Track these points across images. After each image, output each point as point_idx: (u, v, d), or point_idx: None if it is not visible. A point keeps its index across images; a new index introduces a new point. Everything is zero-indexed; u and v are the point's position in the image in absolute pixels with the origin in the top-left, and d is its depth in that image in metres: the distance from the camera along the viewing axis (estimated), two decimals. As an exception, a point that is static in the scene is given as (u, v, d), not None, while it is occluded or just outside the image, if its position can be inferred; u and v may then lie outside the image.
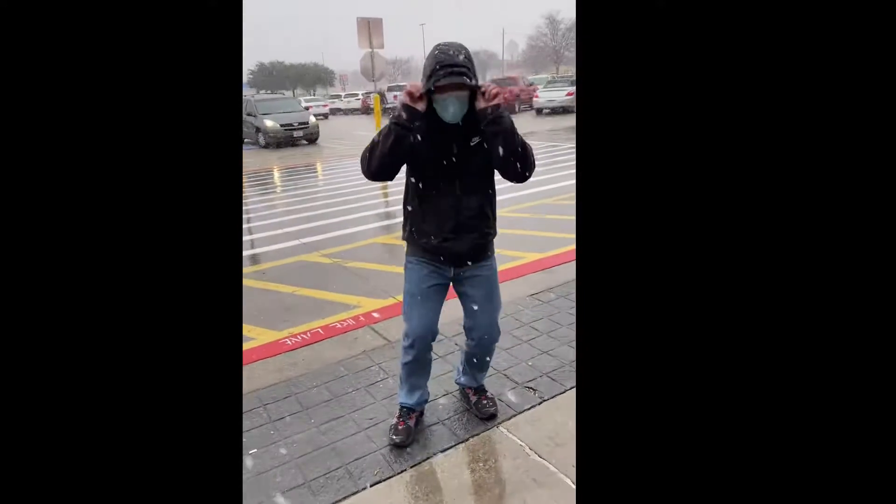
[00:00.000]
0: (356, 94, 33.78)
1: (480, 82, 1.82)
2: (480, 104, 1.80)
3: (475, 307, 2.07)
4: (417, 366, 2.13)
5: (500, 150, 1.81)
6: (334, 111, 31.41)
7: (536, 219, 5.49)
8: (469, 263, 2.03)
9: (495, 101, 1.80)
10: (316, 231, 5.73)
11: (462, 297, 2.11)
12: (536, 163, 1.92)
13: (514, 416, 2.26)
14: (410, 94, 1.79)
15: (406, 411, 2.21)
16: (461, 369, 2.37)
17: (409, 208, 2.01)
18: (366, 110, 27.24)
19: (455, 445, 2.10)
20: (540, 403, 2.33)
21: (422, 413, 2.29)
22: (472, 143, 1.90)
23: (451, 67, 1.74)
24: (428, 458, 2.03)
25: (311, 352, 2.96)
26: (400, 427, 2.16)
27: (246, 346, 3.07)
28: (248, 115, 15.59)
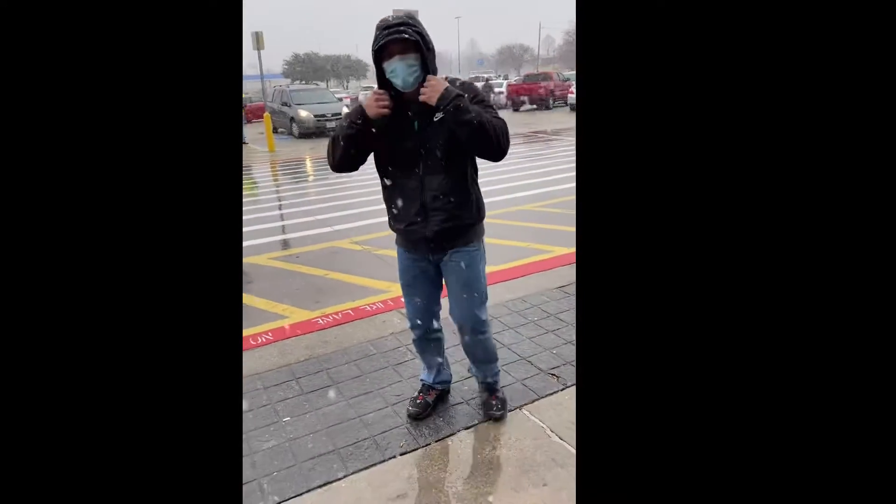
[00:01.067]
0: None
1: (443, 76, 1.82)
2: (422, 97, 1.74)
3: (452, 297, 2.06)
4: (423, 344, 2.23)
5: (463, 138, 1.76)
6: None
7: (567, 214, 5.52)
8: (443, 249, 1.97)
9: (424, 99, 1.73)
10: (347, 219, 5.86)
11: (446, 284, 2.10)
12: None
13: (537, 399, 2.32)
14: (374, 99, 1.76)
15: (426, 388, 2.31)
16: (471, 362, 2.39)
17: (383, 192, 2.00)
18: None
19: (477, 424, 2.17)
20: (562, 389, 2.38)
21: (445, 392, 2.36)
22: (434, 119, 1.79)
23: (391, 28, 1.68)
24: (452, 434, 2.11)
25: (342, 331, 3.06)
26: (418, 400, 2.26)
27: (279, 322, 3.20)
28: (284, 104, 15.89)
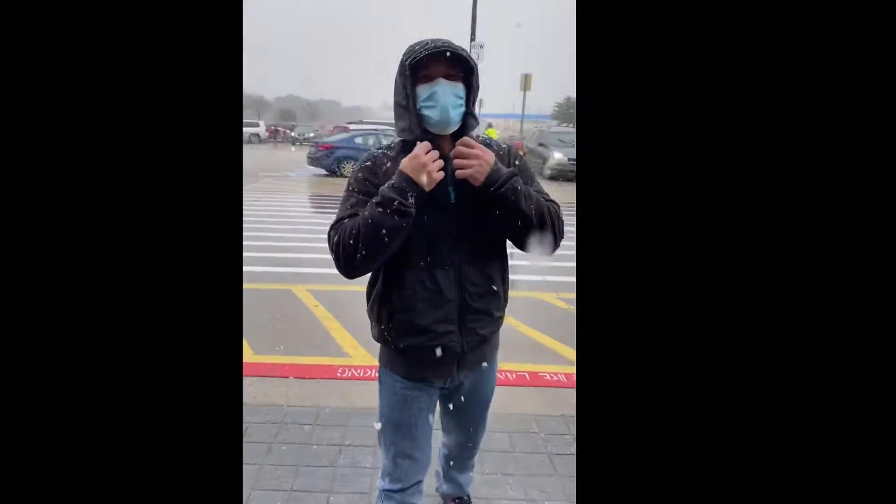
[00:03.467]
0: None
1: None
2: (461, 171, 1.21)
3: (464, 422, 1.55)
4: None
5: (511, 231, 1.27)
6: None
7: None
8: (476, 366, 1.41)
9: (464, 175, 1.20)
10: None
11: (447, 410, 1.51)
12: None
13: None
14: (427, 159, 1.18)
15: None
16: (441, 474, 1.83)
17: (379, 287, 1.34)
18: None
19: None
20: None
21: None
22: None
23: (433, 42, 1.20)
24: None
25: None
26: None
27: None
28: (540, 145, 16.26)
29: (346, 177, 1.37)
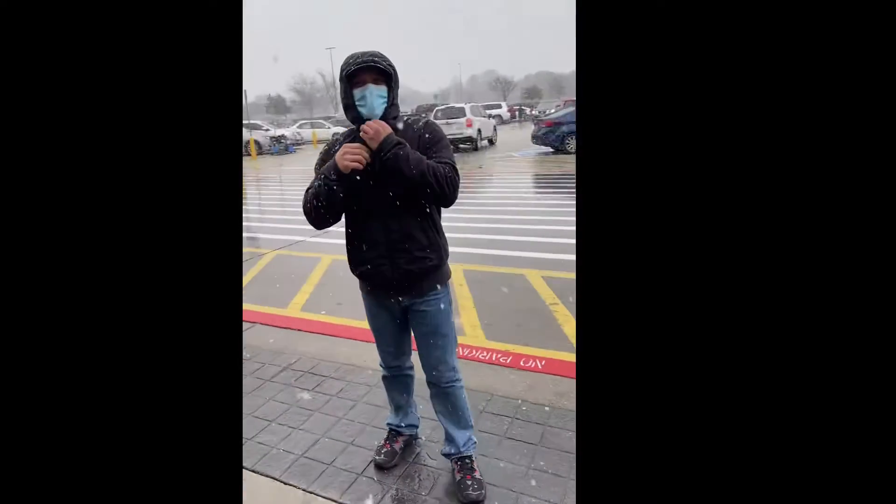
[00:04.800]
0: None
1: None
2: (363, 134, 1.71)
3: (420, 346, 1.97)
4: (392, 382, 2.16)
5: (403, 186, 1.71)
6: None
7: None
8: (409, 292, 1.86)
9: (365, 139, 1.70)
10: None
11: (413, 334, 2.00)
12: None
13: None
14: (343, 153, 1.69)
15: (393, 433, 2.24)
16: (444, 436, 2.14)
17: (346, 233, 1.90)
18: None
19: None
20: None
21: (412, 437, 2.30)
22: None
23: (364, 56, 1.68)
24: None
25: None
26: (384, 449, 2.19)
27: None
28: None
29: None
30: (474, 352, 3.24)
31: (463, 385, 2.07)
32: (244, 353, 3.35)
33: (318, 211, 1.76)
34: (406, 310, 1.94)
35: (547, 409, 2.55)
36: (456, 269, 4.91)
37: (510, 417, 2.51)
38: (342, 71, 1.73)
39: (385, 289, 1.88)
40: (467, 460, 2.07)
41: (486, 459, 2.22)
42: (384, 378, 2.19)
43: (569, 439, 2.31)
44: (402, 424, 2.24)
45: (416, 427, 2.30)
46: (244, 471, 2.27)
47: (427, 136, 1.81)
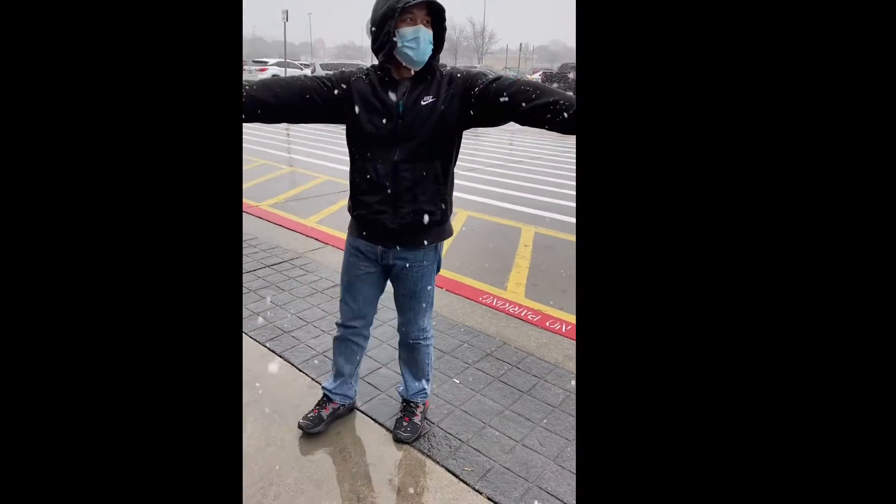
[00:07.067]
0: None
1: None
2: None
3: (399, 301, 1.97)
4: (343, 344, 2.06)
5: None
6: None
7: None
8: (404, 245, 1.79)
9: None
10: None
11: (393, 288, 1.96)
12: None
13: None
14: None
15: (325, 399, 2.14)
16: (401, 377, 2.19)
17: (350, 175, 1.81)
18: None
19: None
20: None
21: (345, 408, 2.18)
22: (423, 102, 1.64)
23: None
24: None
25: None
26: (311, 413, 2.10)
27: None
28: None
29: None
30: (507, 304, 3.37)
31: (431, 344, 2.09)
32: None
33: (265, 103, 1.59)
34: (389, 268, 1.88)
35: (549, 365, 2.65)
36: (527, 231, 5.01)
37: (511, 365, 2.65)
38: (394, 3, 1.54)
39: (382, 237, 1.80)
40: (411, 404, 2.15)
41: (471, 392, 2.41)
42: (335, 339, 2.08)
43: (556, 395, 2.41)
44: (337, 392, 2.12)
45: (350, 399, 2.18)
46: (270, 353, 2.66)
47: (458, 74, 1.68)
